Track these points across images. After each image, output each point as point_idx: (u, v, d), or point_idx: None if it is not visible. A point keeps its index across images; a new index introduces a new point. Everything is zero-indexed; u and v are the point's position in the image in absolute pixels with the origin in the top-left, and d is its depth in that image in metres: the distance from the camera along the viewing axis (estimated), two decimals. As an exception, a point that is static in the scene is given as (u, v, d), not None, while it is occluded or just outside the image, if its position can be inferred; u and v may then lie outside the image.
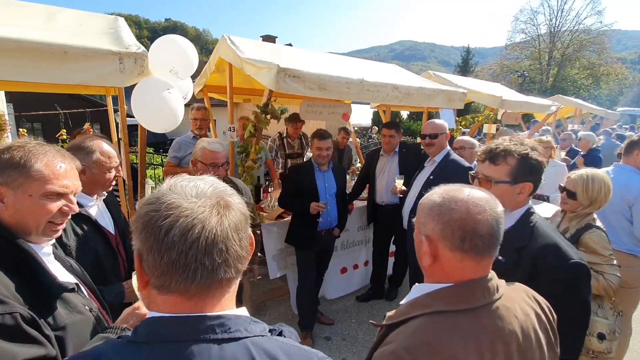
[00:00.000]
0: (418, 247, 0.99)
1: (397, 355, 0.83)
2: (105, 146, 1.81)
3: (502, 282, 1.00)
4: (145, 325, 0.64)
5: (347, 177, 4.12)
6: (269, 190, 4.12)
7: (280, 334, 0.72)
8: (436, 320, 0.89)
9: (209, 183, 0.68)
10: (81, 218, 1.72)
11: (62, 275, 1.21)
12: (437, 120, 3.03)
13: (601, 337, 1.93)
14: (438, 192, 0.99)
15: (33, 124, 17.87)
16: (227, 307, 0.67)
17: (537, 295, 1.09)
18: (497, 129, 5.10)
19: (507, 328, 0.91)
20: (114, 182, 1.90)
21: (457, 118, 5.22)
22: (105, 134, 2.81)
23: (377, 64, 4.72)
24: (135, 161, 4.98)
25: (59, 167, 1.15)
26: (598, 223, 2.13)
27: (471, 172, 1.61)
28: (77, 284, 1.24)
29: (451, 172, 2.92)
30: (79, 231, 1.71)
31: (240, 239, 0.66)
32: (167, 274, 0.61)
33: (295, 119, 4.86)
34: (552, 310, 1.09)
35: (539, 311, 1.03)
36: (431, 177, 3.00)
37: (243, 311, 0.69)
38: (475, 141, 3.55)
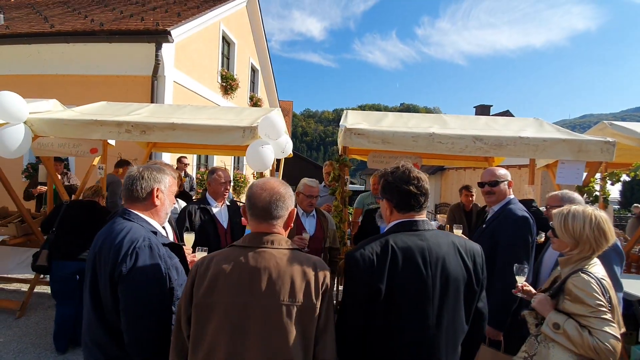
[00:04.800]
0: None
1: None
2: (220, 171, 3.26)
3: (276, 240, 1.40)
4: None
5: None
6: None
7: None
8: (230, 248, 1.50)
9: None
10: (206, 211, 3.19)
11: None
12: (497, 167, 2.84)
13: None
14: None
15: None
16: None
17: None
18: None
19: (260, 264, 1.33)
20: (226, 194, 3.29)
21: (604, 173, 3.86)
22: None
23: (504, 119, 4.46)
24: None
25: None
26: (593, 269, 1.65)
27: None
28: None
29: (501, 222, 2.66)
30: (203, 217, 3.15)
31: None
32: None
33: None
34: None
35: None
36: (483, 226, 2.79)
37: None
38: (575, 196, 2.71)
